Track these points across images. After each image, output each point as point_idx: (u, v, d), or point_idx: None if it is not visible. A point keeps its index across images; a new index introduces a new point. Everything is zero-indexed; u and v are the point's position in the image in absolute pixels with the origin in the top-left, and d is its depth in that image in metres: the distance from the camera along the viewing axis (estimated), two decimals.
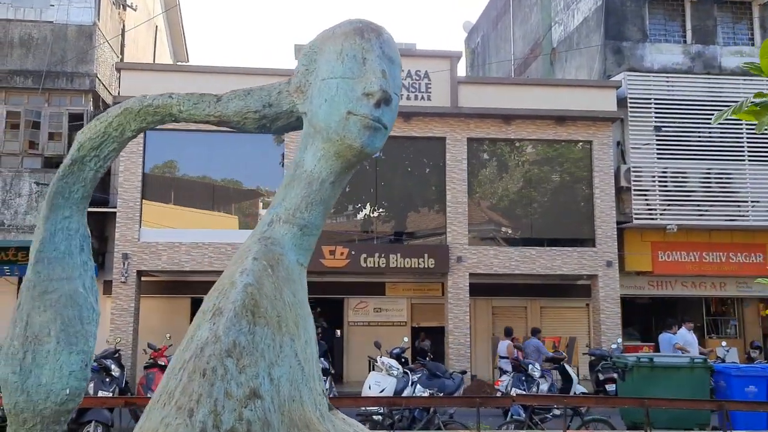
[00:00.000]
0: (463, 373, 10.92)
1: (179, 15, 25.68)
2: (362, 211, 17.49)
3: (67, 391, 4.72)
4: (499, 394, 10.21)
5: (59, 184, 4.81)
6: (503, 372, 12.81)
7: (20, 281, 17.70)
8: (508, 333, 14.21)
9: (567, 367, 12.15)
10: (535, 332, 14.37)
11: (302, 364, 2.48)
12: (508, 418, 9.74)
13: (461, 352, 16.36)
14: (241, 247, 3.26)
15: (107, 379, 10.10)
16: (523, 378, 10.23)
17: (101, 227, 17.68)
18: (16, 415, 4.82)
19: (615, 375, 13.81)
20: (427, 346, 16.03)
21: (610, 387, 13.55)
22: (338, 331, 19.07)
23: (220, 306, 2.83)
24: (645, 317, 20.90)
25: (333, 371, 14.22)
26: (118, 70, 16.79)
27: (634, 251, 17.98)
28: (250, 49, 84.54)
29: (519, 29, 26.31)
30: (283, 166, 17.23)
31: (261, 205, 17.85)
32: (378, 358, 10.24)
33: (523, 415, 9.53)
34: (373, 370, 11.08)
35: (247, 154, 16.97)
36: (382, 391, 9.74)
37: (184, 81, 16.41)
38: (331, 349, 18.44)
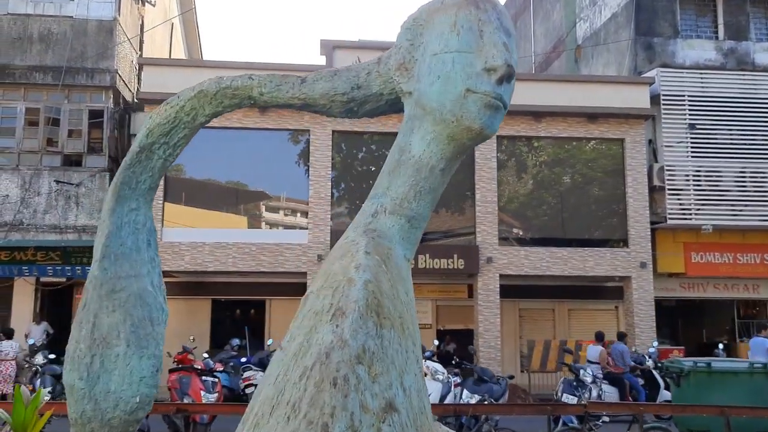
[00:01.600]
0: (511, 377, 10.48)
1: (194, 12, 25.33)
2: None
3: (137, 399, 4.28)
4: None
5: (126, 173, 4.37)
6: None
7: (38, 281, 17.40)
8: (600, 338, 13.49)
9: (654, 373, 11.74)
10: (621, 337, 13.83)
11: (421, 371, 2.27)
12: (560, 426, 9.29)
13: (491, 356, 15.91)
14: (340, 241, 2.83)
15: None
16: (575, 383, 9.78)
17: None
18: (82, 425, 4.34)
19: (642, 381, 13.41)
20: (451, 349, 15.60)
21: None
22: None
23: (341, 305, 2.50)
24: (672, 320, 20.41)
25: None
26: (140, 65, 16.40)
27: (667, 252, 17.52)
28: (263, 44, 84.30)
29: (540, 26, 25.88)
30: (299, 165, 16.77)
31: (263, 208, 17.34)
32: (423, 363, 9.81)
33: (575, 421, 9.09)
34: None
35: (257, 154, 16.48)
36: (428, 396, 9.31)
37: (208, 77, 15.96)
38: None
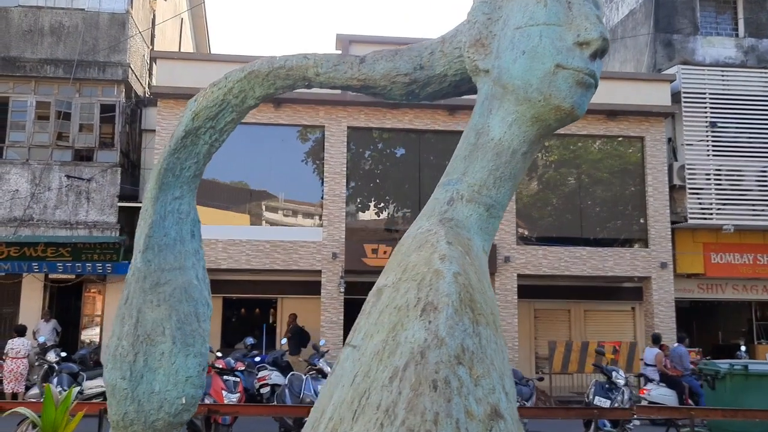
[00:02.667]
0: (540, 380, 10.19)
1: (204, 8, 25.07)
2: (405, 207, 16.77)
3: (183, 400, 3.97)
4: (645, 402, 9.46)
5: (170, 159, 4.07)
6: (648, 380, 12.09)
7: (47, 278, 17.12)
8: (656, 340, 13.16)
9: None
10: (681, 339, 13.52)
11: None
12: (591, 429, 9.00)
13: (509, 356, 15.59)
14: (412, 231, 2.58)
15: None
16: (607, 386, 9.48)
17: (131, 223, 17.00)
18: (124, 428, 4.03)
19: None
20: None
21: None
22: None
23: (431, 300, 2.27)
24: (687, 321, 20.13)
25: None
26: (154, 59, 16.14)
27: (686, 252, 17.23)
28: (272, 40, 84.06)
29: None
30: (306, 164, 16.46)
31: (264, 207, 17.00)
32: None
33: (608, 425, 8.81)
34: None
35: (263, 152, 16.15)
36: None
37: (223, 71, 15.63)
38: None
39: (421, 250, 2.77)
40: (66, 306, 17.67)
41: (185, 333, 4.35)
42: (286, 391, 9.54)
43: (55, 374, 10.09)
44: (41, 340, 14.37)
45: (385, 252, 15.53)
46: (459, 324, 2.42)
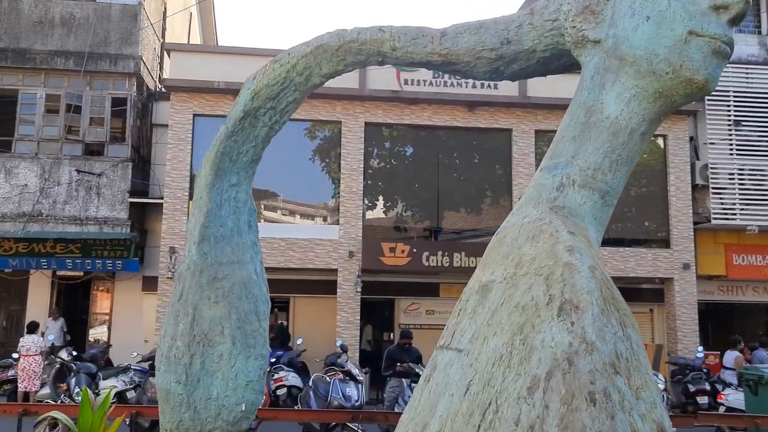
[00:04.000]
0: None
1: (212, 2, 24.73)
2: (423, 205, 16.41)
3: (242, 407, 3.60)
4: (723, 409, 9.09)
5: (227, 142, 3.70)
6: (727, 385, 11.71)
7: (54, 274, 16.75)
8: (736, 343, 12.79)
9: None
10: (765, 344, 13.13)
11: None
12: None
13: None
14: (516, 220, 2.43)
15: None
16: None
17: (141, 219, 16.65)
18: None
19: (707, 387, 12.75)
20: None
21: (702, 399, 12.46)
22: (387, 335, 18.03)
23: (569, 298, 2.00)
24: (703, 323, 19.77)
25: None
26: (167, 52, 15.76)
27: (707, 253, 16.88)
28: (277, 34, 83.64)
29: None
30: (313, 162, 16.05)
31: (263, 206, 16.50)
32: None
33: None
34: None
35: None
36: None
37: (236, 64, 15.35)
38: (378, 353, 17.39)
39: (537, 241, 2.43)
40: (73, 304, 17.31)
41: (246, 333, 3.98)
42: (311, 393, 9.17)
43: (72, 374, 9.71)
44: (51, 338, 13.99)
45: (403, 251, 15.17)
46: (608, 326, 2.09)
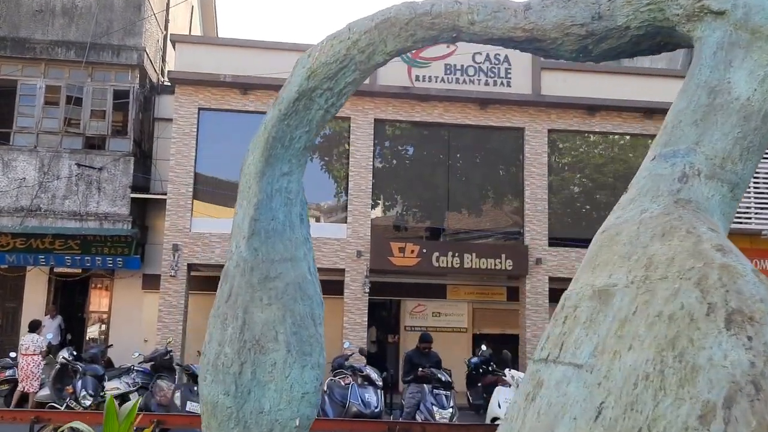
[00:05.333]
0: None
1: None
2: (431, 205, 16.03)
3: (297, 422, 3.13)
4: None
5: (280, 126, 3.27)
6: None
7: (51, 271, 16.26)
8: None
9: None
10: None
11: None
12: None
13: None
14: (632, 215, 2.16)
15: (195, 388, 8.52)
16: None
17: (142, 216, 16.20)
18: None
19: None
20: (480, 354, 14.51)
21: None
22: (394, 337, 17.66)
23: (737, 307, 1.64)
24: None
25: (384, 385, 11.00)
26: (173, 43, 15.32)
27: None
28: (279, 26, 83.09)
29: None
30: (311, 161, 15.59)
31: None
32: (507, 372, 8.77)
33: None
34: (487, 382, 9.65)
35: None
36: None
37: (243, 57, 14.96)
38: (383, 356, 17.02)
39: (670, 239, 2.06)
40: (70, 302, 16.83)
41: (301, 339, 3.55)
42: (326, 398, 8.78)
43: (78, 377, 9.26)
44: (49, 337, 13.53)
45: (412, 251, 14.79)
46: None
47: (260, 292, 3.39)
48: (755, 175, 16.04)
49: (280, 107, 3.41)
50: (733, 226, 16.02)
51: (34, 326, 11.60)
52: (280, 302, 3.41)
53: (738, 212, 16.16)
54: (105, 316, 16.80)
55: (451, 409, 8.34)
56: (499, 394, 8.50)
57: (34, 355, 11.29)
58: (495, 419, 8.37)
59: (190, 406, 8.17)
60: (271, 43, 15.44)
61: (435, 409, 8.20)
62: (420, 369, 8.76)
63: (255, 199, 3.47)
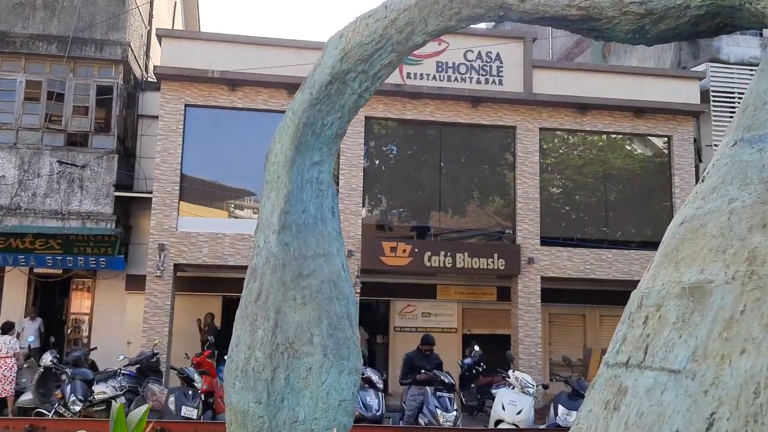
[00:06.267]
0: (546, 387, 9.31)
1: None
2: (423, 203, 15.83)
3: None
4: None
5: (311, 112, 2.98)
6: None
7: (31, 272, 15.78)
8: None
9: None
10: None
11: None
12: None
13: (531, 364, 14.76)
14: (717, 205, 2.00)
15: (190, 392, 8.22)
16: None
17: (126, 215, 15.79)
18: None
19: None
20: (473, 355, 14.29)
21: None
22: (383, 337, 17.43)
23: None
24: None
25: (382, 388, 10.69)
26: (159, 37, 14.93)
27: None
28: (261, 20, 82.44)
29: None
30: None
31: (233, 207, 15.67)
32: (510, 373, 8.59)
33: None
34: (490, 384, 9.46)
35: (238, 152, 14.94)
36: (519, 413, 8.11)
37: (232, 53, 14.63)
38: (372, 357, 16.77)
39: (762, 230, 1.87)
40: (50, 303, 16.36)
41: (338, 341, 3.29)
42: None
43: (67, 381, 8.89)
44: (30, 340, 13.10)
45: (404, 251, 14.57)
46: None
47: (293, 291, 3.14)
48: None
49: (311, 91, 3.17)
50: None
51: (7, 328, 11.16)
52: (314, 302, 3.15)
53: None
54: (86, 317, 16.35)
55: (455, 412, 8.14)
56: (503, 396, 8.31)
57: (7, 357, 10.88)
58: (499, 422, 8.19)
59: (185, 410, 7.86)
60: (259, 38, 15.13)
61: (439, 412, 7.99)
62: (423, 371, 8.54)
63: (285, 189, 3.22)
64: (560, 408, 8.16)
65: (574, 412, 8.04)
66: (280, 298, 3.13)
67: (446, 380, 8.53)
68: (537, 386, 8.65)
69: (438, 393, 8.31)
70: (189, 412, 7.64)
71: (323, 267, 3.24)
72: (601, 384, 2.27)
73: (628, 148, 16.62)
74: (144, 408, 4.00)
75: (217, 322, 16.36)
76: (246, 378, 3.02)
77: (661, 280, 2.19)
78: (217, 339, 14.60)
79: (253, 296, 3.18)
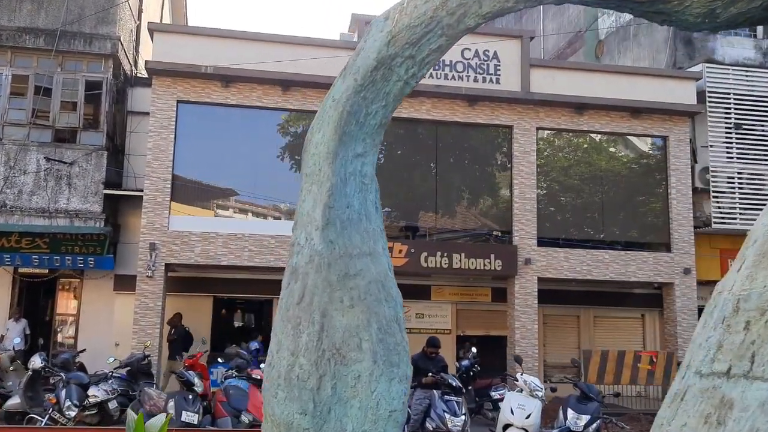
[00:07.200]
0: (617, 395, 9.16)
1: None
2: (419, 203, 15.62)
3: None
4: None
5: (355, 99, 2.72)
6: None
7: (16, 271, 15.34)
8: None
9: None
10: None
11: None
12: None
13: (528, 365, 14.57)
14: None
15: (190, 396, 7.91)
16: None
17: (114, 213, 15.41)
18: None
19: None
20: (471, 357, 14.10)
21: None
22: None
23: None
24: None
25: None
26: (150, 31, 14.57)
27: (703, 259, 16.55)
28: (249, 15, 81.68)
29: (552, 22, 24.87)
30: (282, 160, 14.94)
31: (215, 207, 15.31)
32: (519, 376, 8.39)
33: None
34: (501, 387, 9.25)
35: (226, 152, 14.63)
36: (528, 417, 7.91)
37: (226, 48, 14.32)
38: None
39: None
40: (35, 304, 15.93)
41: (388, 347, 3.05)
42: None
43: (62, 386, 8.54)
44: (16, 342, 12.70)
45: (401, 251, 14.35)
46: None
47: (340, 292, 2.89)
48: (739, 175, 16.06)
49: (356, 77, 2.93)
50: (721, 227, 16.06)
51: None
52: (363, 304, 2.91)
53: (723, 213, 16.19)
54: (73, 318, 15.94)
55: (463, 416, 7.94)
56: (511, 399, 8.11)
57: None
58: (507, 426, 7.99)
59: (186, 416, 7.57)
60: (254, 34, 14.84)
61: (447, 416, 7.79)
62: (429, 374, 8.33)
63: (328, 183, 2.97)
64: (570, 412, 7.98)
65: (584, 416, 7.87)
66: (325, 299, 2.87)
67: (453, 383, 8.33)
68: (545, 389, 8.46)
69: (446, 396, 8.11)
70: (190, 417, 7.36)
71: (370, 266, 2.99)
72: (694, 395, 2.06)
73: (624, 148, 16.54)
74: (162, 417, 3.73)
75: (208, 324, 16.04)
76: (290, 387, 2.76)
77: (762, 281, 1.99)
78: (186, 339, 14.28)
79: (295, 298, 2.92)
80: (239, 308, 17.54)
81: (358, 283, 2.91)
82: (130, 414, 3.65)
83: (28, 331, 14.34)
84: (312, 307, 2.87)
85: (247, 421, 7.66)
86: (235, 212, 15.42)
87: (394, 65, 3.02)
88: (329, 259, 2.90)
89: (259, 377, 8.19)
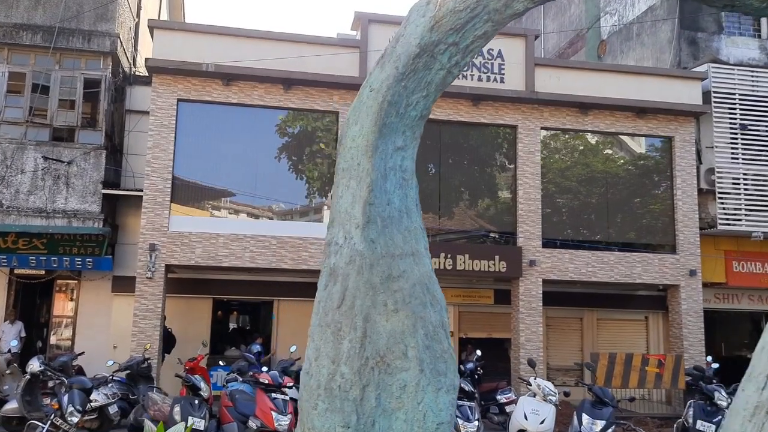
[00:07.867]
0: (632, 400, 8.97)
1: None
2: (423, 203, 15.41)
3: None
4: None
5: (396, 89, 2.52)
6: None
7: (12, 272, 15.06)
8: None
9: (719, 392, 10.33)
10: None
11: None
12: None
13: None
14: None
15: (196, 401, 7.67)
16: (709, 407, 8.35)
17: (112, 214, 15.16)
18: None
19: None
20: (473, 360, 13.88)
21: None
22: None
23: None
24: None
25: None
26: (151, 28, 14.31)
27: (708, 260, 16.40)
28: (246, 13, 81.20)
29: (553, 22, 24.73)
30: (279, 161, 14.66)
31: (209, 207, 15.03)
32: (532, 380, 8.19)
33: None
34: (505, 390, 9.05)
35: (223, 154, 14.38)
36: (542, 422, 7.72)
37: (227, 46, 14.10)
38: None
39: None
40: (31, 305, 15.66)
41: (435, 354, 2.84)
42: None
43: (65, 390, 8.30)
44: (13, 344, 12.44)
45: None
46: None
47: (383, 295, 2.67)
48: (745, 176, 15.92)
49: (397, 65, 2.72)
50: (726, 228, 15.91)
51: None
52: (408, 308, 2.70)
53: (728, 214, 16.05)
54: (70, 321, 15.67)
55: (476, 422, 7.74)
56: (525, 404, 7.92)
57: None
58: (521, 431, 7.79)
59: (192, 421, 7.34)
60: (255, 31, 14.61)
61: (460, 422, 7.58)
62: None
63: (368, 178, 2.76)
64: (584, 417, 7.79)
65: (600, 422, 7.69)
66: (368, 303, 2.65)
67: (466, 388, 8.13)
68: (558, 394, 8.27)
69: (458, 402, 7.91)
70: (197, 423, 7.12)
71: (413, 267, 2.78)
72: (758, 409, 1.88)
73: (627, 149, 16.38)
74: (188, 426, 3.53)
75: (207, 326, 15.79)
76: (331, 397, 2.54)
77: None
78: (168, 341, 14.03)
79: (334, 301, 2.70)
80: (235, 310, 17.30)
81: (402, 286, 2.69)
82: (148, 425, 3.44)
83: (23, 334, 14.07)
84: (354, 312, 2.65)
85: (255, 427, 7.43)
86: (231, 213, 15.19)
87: (437, 52, 2.81)
88: (371, 259, 2.68)
89: (267, 381, 7.97)
